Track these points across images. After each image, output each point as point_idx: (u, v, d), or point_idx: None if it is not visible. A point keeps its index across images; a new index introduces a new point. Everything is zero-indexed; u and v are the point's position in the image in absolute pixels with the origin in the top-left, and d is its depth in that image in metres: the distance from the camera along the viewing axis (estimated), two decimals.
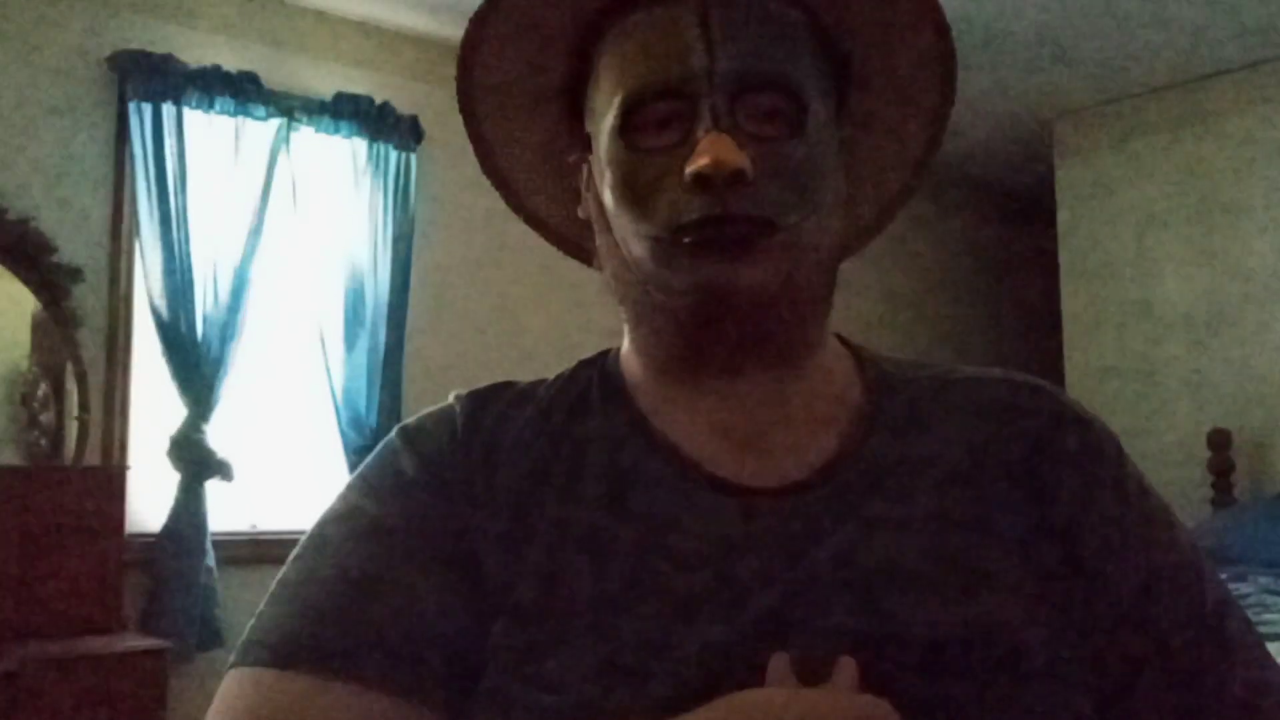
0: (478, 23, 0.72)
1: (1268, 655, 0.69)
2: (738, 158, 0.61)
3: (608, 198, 0.68)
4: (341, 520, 0.66)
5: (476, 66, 0.74)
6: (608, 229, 0.69)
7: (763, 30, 0.66)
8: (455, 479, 0.67)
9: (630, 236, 0.66)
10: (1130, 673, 0.65)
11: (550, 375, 0.75)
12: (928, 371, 0.74)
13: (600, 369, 0.74)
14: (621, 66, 0.67)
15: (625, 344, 0.74)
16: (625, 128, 0.66)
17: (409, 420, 0.72)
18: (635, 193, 0.65)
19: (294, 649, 0.60)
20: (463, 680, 0.61)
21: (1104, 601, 0.65)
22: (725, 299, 0.64)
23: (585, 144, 0.72)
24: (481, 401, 0.71)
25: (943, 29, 0.72)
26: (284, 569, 0.65)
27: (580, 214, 0.74)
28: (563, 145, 0.76)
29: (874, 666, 0.58)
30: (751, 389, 0.68)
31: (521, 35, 0.72)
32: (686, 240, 0.63)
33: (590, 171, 0.72)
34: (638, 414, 0.70)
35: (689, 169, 0.62)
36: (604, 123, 0.68)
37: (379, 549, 0.64)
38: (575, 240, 0.79)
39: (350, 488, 0.69)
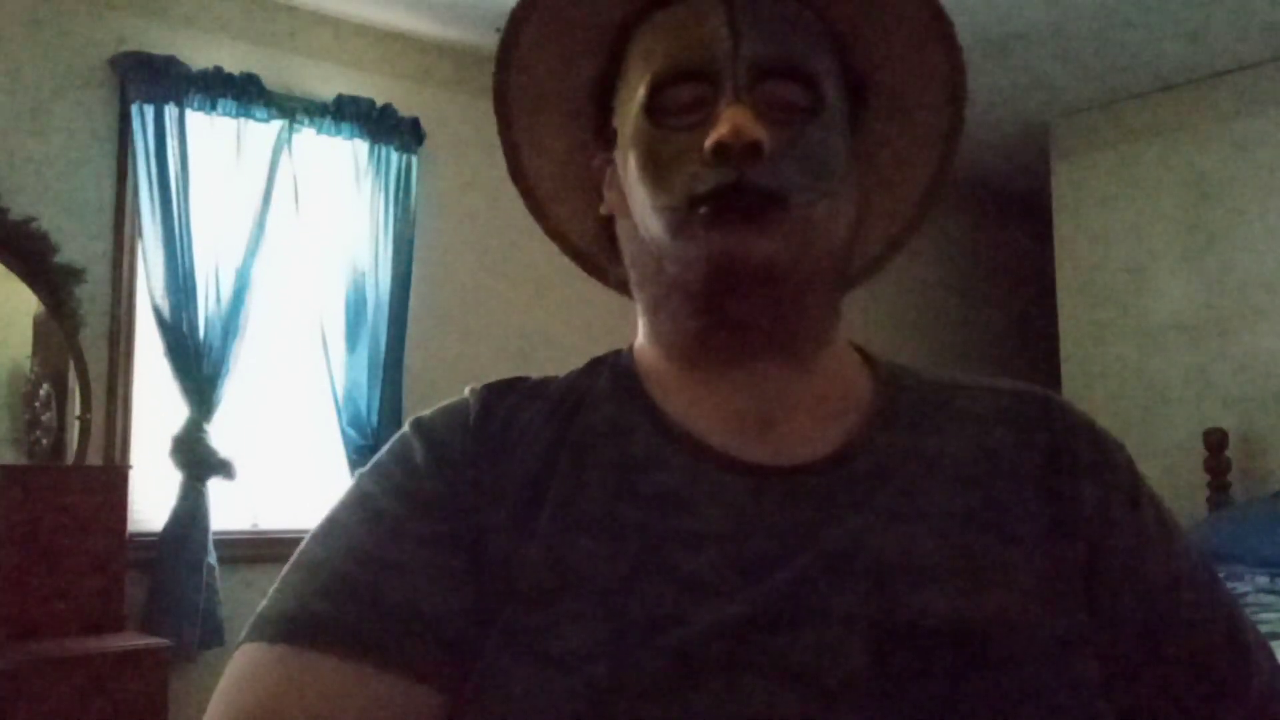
0: (516, 23, 0.74)
1: (1275, 657, 0.70)
2: (756, 129, 0.63)
3: (631, 174, 0.69)
4: (351, 506, 0.68)
5: (513, 66, 0.76)
6: (628, 213, 0.71)
7: (785, 26, 0.69)
8: (465, 467, 0.68)
9: (648, 211, 0.68)
10: (1153, 675, 0.66)
11: (553, 375, 0.76)
12: (936, 378, 0.75)
13: (613, 363, 0.75)
14: (650, 52, 0.70)
15: (639, 338, 0.75)
16: (651, 107, 0.68)
17: (424, 413, 0.73)
18: (656, 166, 0.67)
19: (297, 625, 0.61)
20: (461, 663, 0.61)
21: (1125, 607, 0.66)
22: (737, 269, 0.64)
23: (610, 142, 0.74)
24: (496, 393, 0.72)
25: (954, 52, 0.74)
26: (296, 552, 0.67)
27: (602, 210, 0.76)
28: (588, 156, 0.77)
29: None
30: (763, 379, 0.69)
31: (557, 36, 0.74)
32: (702, 211, 0.65)
33: (614, 170, 0.74)
34: (649, 402, 0.71)
35: (709, 140, 0.64)
36: (631, 105, 0.70)
37: (385, 534, 0.65)
38: (591, 255, 0.81)
39: (363, 476, 0.70)
